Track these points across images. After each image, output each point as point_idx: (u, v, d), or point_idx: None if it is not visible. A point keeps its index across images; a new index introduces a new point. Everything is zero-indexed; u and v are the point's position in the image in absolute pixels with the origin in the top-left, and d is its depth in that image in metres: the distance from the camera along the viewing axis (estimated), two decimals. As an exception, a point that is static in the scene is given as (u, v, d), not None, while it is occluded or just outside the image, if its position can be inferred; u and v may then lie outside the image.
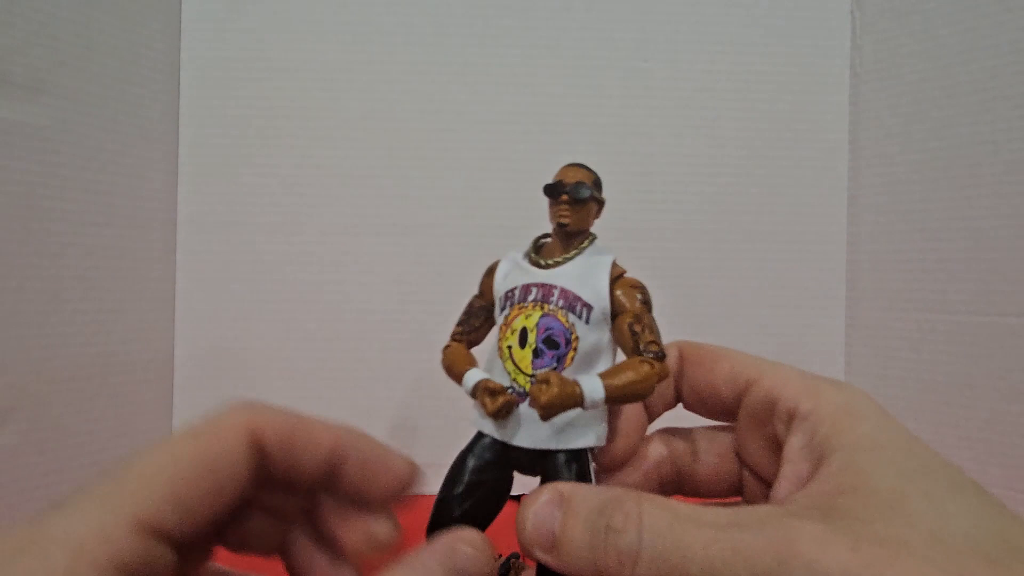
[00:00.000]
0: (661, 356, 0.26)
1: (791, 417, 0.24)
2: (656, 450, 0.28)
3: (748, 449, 0.27)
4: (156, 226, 0.53)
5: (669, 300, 0.56)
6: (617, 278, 0.27)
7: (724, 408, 0.27)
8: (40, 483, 0.45)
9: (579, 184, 0.28)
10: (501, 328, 0.27)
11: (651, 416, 0.29)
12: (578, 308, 0.26)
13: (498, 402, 0.25)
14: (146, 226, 0.52)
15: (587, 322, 0.26)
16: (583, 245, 0.28)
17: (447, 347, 0.29)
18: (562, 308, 0.26)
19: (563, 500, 0.21)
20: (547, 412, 0.24)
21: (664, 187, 0.56)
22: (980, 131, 0.49)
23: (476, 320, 0.30)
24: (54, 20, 0.46)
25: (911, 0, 0.53)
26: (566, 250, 0.28)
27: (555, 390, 0.24)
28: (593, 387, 0.24)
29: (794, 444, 0.23)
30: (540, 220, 0.54)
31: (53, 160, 0.46)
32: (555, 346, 0.26)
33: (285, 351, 0.54)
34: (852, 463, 0.20)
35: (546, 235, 0.29)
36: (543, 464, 0.26)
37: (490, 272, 0.30)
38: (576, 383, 0.24)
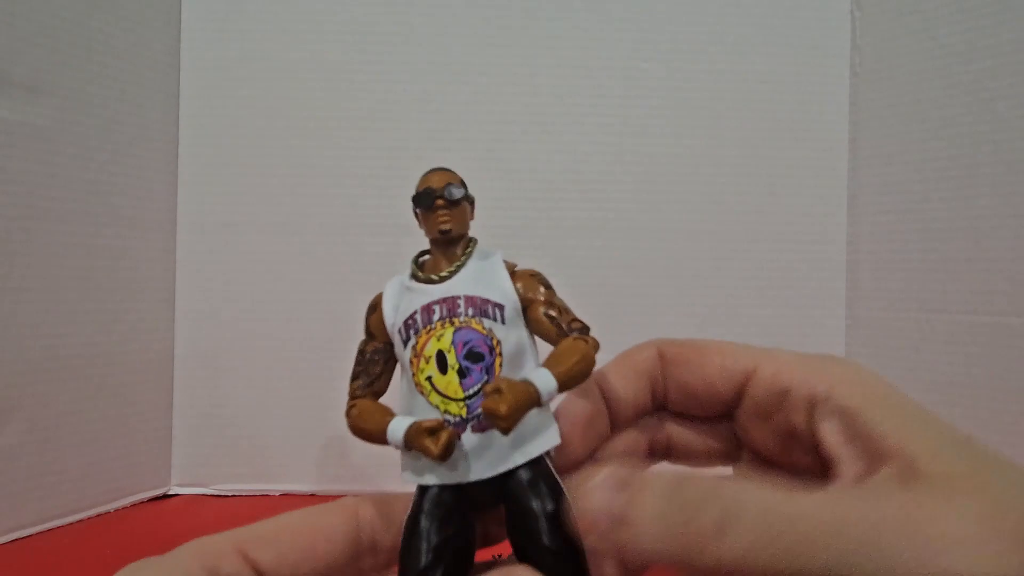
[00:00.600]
0: (587, 329, 0.25)
1: (811, 404, 0.22)
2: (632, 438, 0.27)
3: (753, 439, 0.25)
4: (156, 226, 0.53)
5: (669, 300, 0.56)
6: (512, 272, 0.26)
7: (721, 405, 0.25)
8: (40, 483, 0.45)
9: (449, 186, 0.27)
10: (411, 361, 0.24)
11: (618, 425, 0.26)
12: (490, 310, 0.25)
13: (442, 438, 0.22)
14: (146, 226, 0.52)
15: (503, 322, 0.24)
16: (468, 250, 0.27)
17: (351, 407, 0.25)
18: (474, 316, 0.24)
19: (625, 481, 0.19)
20: (509, 422, 0.22)
21: (664, 187, 0.56)
22: (980, 131, 0.49)
23: (374, 367, 0.26)
24: (54, 20, 0.46)
25: (911, 0, 0.53)
26: (453, 258, 0.26)
27: (511, 396, 0.22)
28: (544, 380, 0.23)
29: (830, 431, 0.21)
30: (540, 220, 0.54)
31: (53, 160, 0.46)
32: (479, 358, 0.24)
33: (285, 351, 0.54)
34: (895, 426, 0.20)
35: (423, 252, 0.27)
36: (504, 490, 0.23)
37: (374, 308, 0.27)
38: (527, 381, 0.23)
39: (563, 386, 0.23)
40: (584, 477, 0.20)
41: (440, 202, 0.26)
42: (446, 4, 0.55)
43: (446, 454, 0.23)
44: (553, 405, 0.25)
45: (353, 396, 0.26)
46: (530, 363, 0.25)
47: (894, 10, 0.54)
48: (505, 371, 0.24)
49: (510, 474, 0.23)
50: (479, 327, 0.24)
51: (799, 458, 0.23)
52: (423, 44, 0.55)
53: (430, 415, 0.24)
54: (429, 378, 0.24)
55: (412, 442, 0.23)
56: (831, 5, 0.56)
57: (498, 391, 0.22)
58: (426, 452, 0.23)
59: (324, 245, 0.54)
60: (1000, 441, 0.49)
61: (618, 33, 0.55)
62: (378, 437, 0.24)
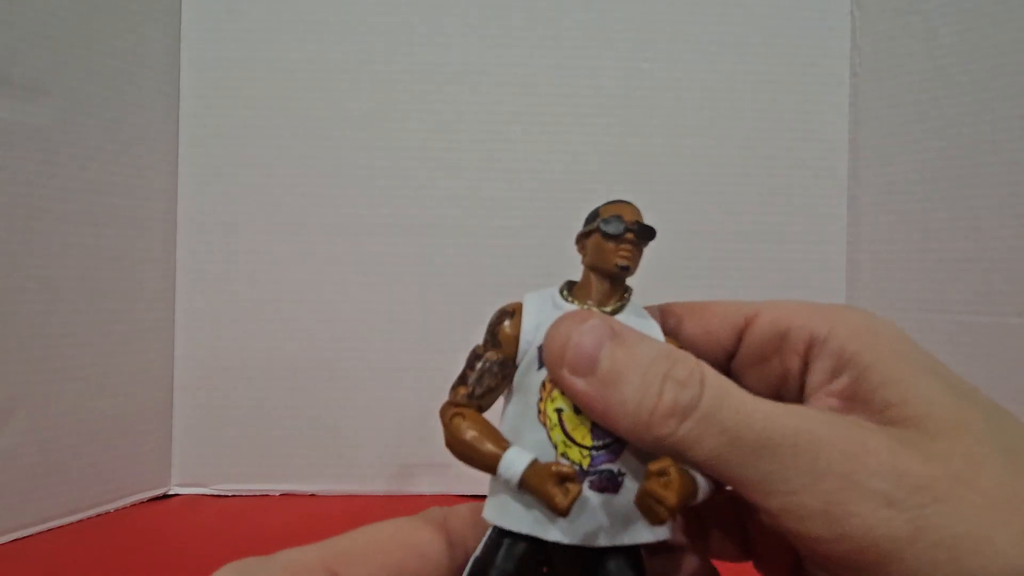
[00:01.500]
0: None
1: (808, 345, 0.21)
2: None
3: (747, 386, 0.24)
4: (156, 226, 0.53)
5: (669, 300, 0.56)
6: (666, 336, 0.23)
7: (721, 352, 0.25)
8: (40, 483, 0.45)
9: (641, 224, 0.24)
10: (544, 386, 0.21)
11: None
12: None
13: (572, 492, 0.19)
14: (146, 226, 0.52)
15: None
16: (626, 295, 0.24)
17: (455, 414, 0.22)
18: None
19: (615, 333, 0.19)
20: (671, 515, 0.19)
21: (664, 187, 0.56)
22: (980, 131, 0.49)
23: (491, 379, 0.23)
24: (54, 20, 0.46)
25: (911, 0, 0.53)
26: (614, 297, 0.23)
27: (680, 485, 0.19)
28: (702, 478, 0.20)
29: (818, 369, 0.21)
30: (541, 220, 0.54)
31: (53, 160, 0.46)
32: None
33: (285, 351, 0.54)
34: (893, 379, 0.19)
35: (571, 281, 0.25)
36: (590, 567, 0.21)
37: (511, 316, 0.23)
38: (687, 472, 0.19)
39: (717, 487, 0.21)
40: (573, 317, 0.20)
41: (630, 235, 0.23)
42: (446, 4, 0.55)
43: (570, 510, 0.19)
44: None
45: (456, 403, 0.22)
46: None
47: (894, 10, 0.54)
48: None
49: (603, 553, 0.21)
50: None
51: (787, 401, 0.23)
52: (423, 44, 0.55)
53: (544, 452, 0.21)
54: (559, 411, 0.21)
55: (534, 484, 0.20)
56: (831, 5, 0.56)
57: (665, 474, 0.19)
58: (549, 501, 0.19)
59: (324, 245, 0.54)
60: (1000, 441, 0.49)
61: (618, 33, 0.55)
62: (484, 461, 0.21)
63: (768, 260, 0.56)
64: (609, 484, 0.20)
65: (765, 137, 0.56)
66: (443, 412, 0.22)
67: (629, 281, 0.24)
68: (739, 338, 0.24)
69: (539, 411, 0.21)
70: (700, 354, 0.24)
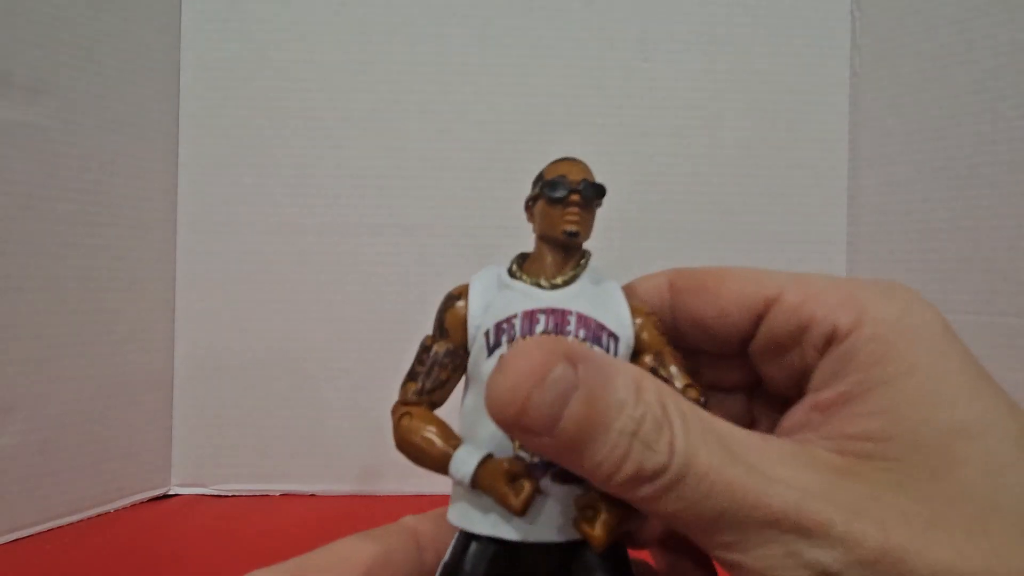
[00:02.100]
0: (702, 399, 0.20)
1: (828, 342, 0.19)
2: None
3: (765, 374, 0.22)
4: (156, 226, 0.53)
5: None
6: (631, 305, 0.22)
7: (736, 338, 0.22)
8: (40, 483, 0.45)
9: (588, 182, 0.21)
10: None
11: None
12: (604, 339, 0.20)
13: (525, 491, 0.18)
14: (146, 226, 0.52)
15: (615, 355, 0.20)
16: (583, 262, 0.22)
17: (404, 413, 0.21)
18: (585, 339, 0.20)
19: (583, 386, 0.16)
20: (606, 545, 0.19)
21: (664, 187, 0.56)
22: (980, 131, 0.49)
23: (441, 371, 0.21)
24: (54, 20, 0.46)
25: (911, 0, 0.53)
26: (566, 267, 0.21)
27: (604, 516, 0.18)
28: None
29: (823, 368, 0.19)
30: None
31: (53, 160, 0.46)
32: None
33: (285, 351, 0.54)
34: (894, 403, 0.17)
35: (523, 255, 0.23)
36: (567, 563, 0.20)
37: (456, 300, 0.21)
38: (618, 503, 0.19)
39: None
40: (528, 358, 0.16)
41: (575, 197, 0.21)
42: (446, 4, 0.55)
43: (527, 509, 0.19)
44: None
45: (406, 401, 0.21)
46: None
47: (894, 10, 0.54)
48: None
49: (579, 546, 0.19)
50: None
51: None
52: (423, 44, 0.55)
53: (501, 447, 0.19)
54: None
55: (485, 484, 0.19)
56: (831, 5, 0.56)
57: (592, 509, 0.19)
58: (503, 501, 0.19)
59: (324, 245, 0.54)
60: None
61: (618, 33, 0.55)
62: (435, 462, 0.20)
63: (768, 260, 0.56)
64: (573, 475, 0.18)
65: (765, 137, 0.56)
66: (393, 412, 0.21)
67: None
68: (756, 323, 0.21)
69: None
70: (711, 337, 0.22)
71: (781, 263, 0.56)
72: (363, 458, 0.54)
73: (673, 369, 0.21)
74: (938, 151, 0.52)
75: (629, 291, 0.22)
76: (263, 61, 0.54)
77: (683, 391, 0.20)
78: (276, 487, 0.54)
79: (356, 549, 0.20)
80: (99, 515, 0.49)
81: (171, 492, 0.54)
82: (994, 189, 0.49)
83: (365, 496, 0.53)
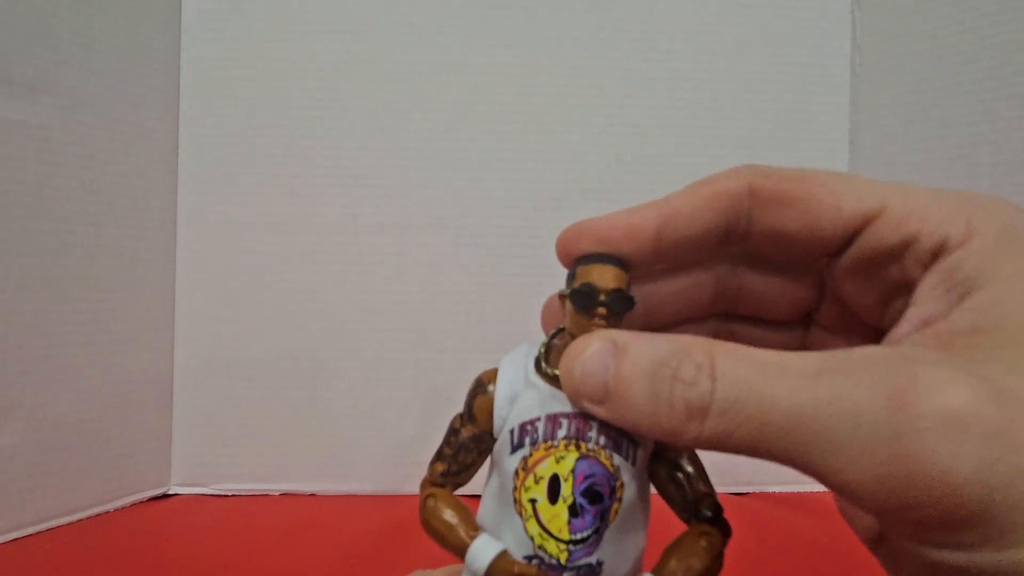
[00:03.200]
0: (719, 510, 0.21)
1: (936, 255, 0.18)
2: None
3: (847, 292, 0.21)
4: (156, 226, 0.53)
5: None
6: None
7: (820, 252, 0.21)
8: (40, 483, 0.45)
9: (618, 292, 0.21)
10: (517, 473, 0.20)
11: (663, 255, 0.22)
12: (624, 447, 0.20)
13: None
14: (146, 226, 0.52)
15: (634, 464, 0.20)
16: None
17: (429, 495, 0.22)
18: (604, 447, 0.20)
19: (617, 348, 0.18)
20: None
21: (664, 187, 0.55)
22: (980, 131, 0.49)
23: (467, 455, 0.22)
24: (54, 20, 0.46)
25: (911, 0, 0.53)
26: None
27: None
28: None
29: (928, 282, 0.18)
30: (541, 220, 0.54)
31: (53, 160, 0.46)
32: (599, 499, 0.20)
33: (285, 351, 0.54)
34: (1002, 297, 0.16)
35: (557, 332, 0.23)
36: None
37: (484, 388, 0.22)
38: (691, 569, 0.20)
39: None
40: (581, 344, 0.19)
41: (602, 311, 0.21)
42: (446, 4, 0.55)
43: None
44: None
45: (432, 481, 0.22)
46: (642, 517, 0.22)
47: (894, 10, 0.54)
48: (618, 521, 0.21)
49: None
50: (607, 462, 0.20)
51: (896, 315, 0.19)
52: (423, 44, 0.55)
53: (521, 542, 0.20)
54: (534, 501, 0.20)
55: None
56: (831, 5, 0.56)
57: None
58: None
59: (324, 245, 0.54)
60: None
61: (618, 33, 0.55)
62: (454, 549, 0.21)
63: (768, 260, 0.56)
64: None
65: (765, 137, 0.56)
66: (421, 489, 0.23)
67: None
68: (850, 239, 0.20)
69: (515, 500, 0.20)
70: (796, 252, 0.21)
71: (781, 263, 0.56)
72: (363, 458, 0.54)
73: (694, 476, 0.21)
74: (938, 151, 0.52)
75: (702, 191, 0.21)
76: (263, 61, 0.54)
77: (700, 498, 0.21)
78: (276, 487, 0.54)
79: None
80: (99, 515, 0.49)
81: (171, 492, 0.54)
82: (994, 189, 0.49)
83: (365, 496, 0.53)
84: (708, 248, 0.22)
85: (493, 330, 0.54)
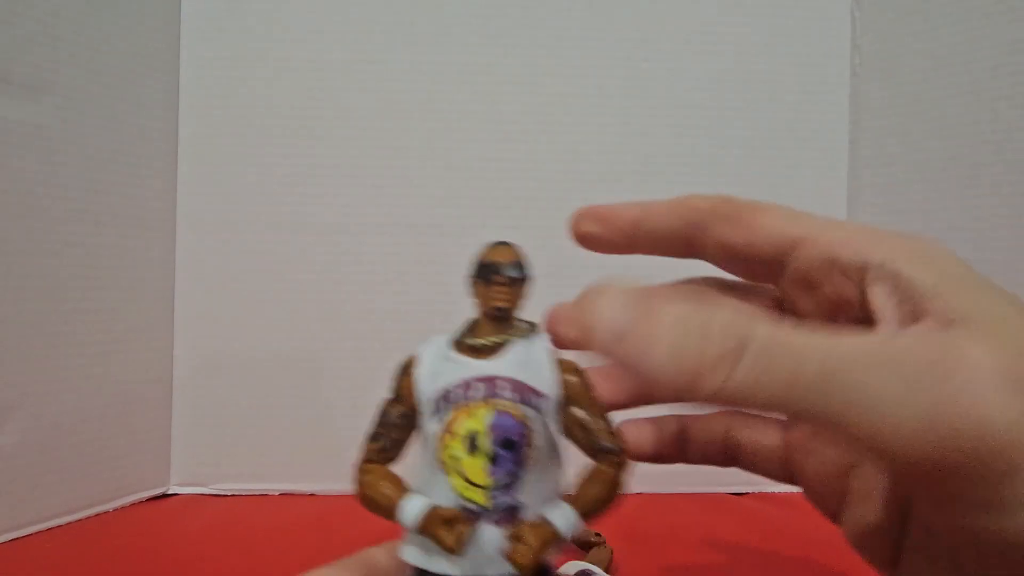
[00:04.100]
0: (619, 447, 0.24)
1: (863, 272, 0.20)
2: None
3: (797, 307, 0.24)
4: (156, 226, 0.53)
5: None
6: (557, 362, 0.25)
7: (761, 268, 0.24)
8: (40, 483, 0.45)
9: (515, 263, 0.26)
10: (440, 436, 0.23)
11: (636, 250, 0.27)
12: (532, 399, 0.24)
13: (459, 533, 0.22)
14: (146, 226, 0.52)
15: (542, 413, 0.24)
16: (516, 329, 0.26)
17: (363, 471, 0.24)
18: (514, 400, 0.23)
19: (647, 292, 0.19)
20: (531, 571, 0.22)
21: (664, 187, 0.55)
22: (980, 131, 0.49)
23: (397, 432, 0.25)
24: (55, 20, 0.46)
25: (911, 0, 0.53)
26: (500, 335, 0.25)
27: (533, 545, 0.22)
28: (567, 520, 0.23)
29: (879, 293, 0.20)
30: (541, 220, 0.54)
31: (53, 160, 0.46)
32: (511, 446, 0.23)
33: (285, 351, 0.54)
34: (953, 296, 0.18)
35: (470, 320, 0.27)
36: None
37: (407, 371, 0.25)
38: (546, 523, 0.22)
39: (586, 520, 0.23)
40: (600, 287, 0.20)
41: (501, 278, 0.25)
42: (446, 4, 0.55)
43: (460, 548, 0.22)
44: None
45: (366, 459, 0.25)
46: (555, 461, 0.24)
47: (894, 10, 0.54)
48: (535, 465, 0.23)
49: None
50: (517, 413, 0.23)
51: (845, 326, 0.21)
52: (423, 44, 0.55)
53: (448, 497, 0.23)
54: (456, 457, 0.23)
55: (426, 528, 0.22)
56: (831, 5, 0.56)
57: (519, 539, 0.22)
58: (440, 542, 0.22)
59: (324, 245, 0.54)
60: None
61: (618, 33, 0.55)
62: (387, 512, 0.23)
63: (768, 260, 0.56)
64: (509, 517, 0.22)
65: (765, 137, 0.56)
66: (354, 468, 0.25)
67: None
68: (782, 259, 0.23)
69: (440, 460, 0.23)
70: (738, 265, 0.25)
71: (781, 263, 0.56)
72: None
73: (596, 420, 0.24)
74: (938, 151, 0.52)
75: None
76: (263, 61, 0.54)
77: (602, 436, 0.24)
78: (276, 487, 0.54)
79: None
80: (98, 515, 0.49)
81: (170, 492, 0.54)
82: (994, 189, 0.49)
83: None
84: (675, 249, 0.27)
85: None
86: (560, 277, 0.58)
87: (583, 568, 0.35)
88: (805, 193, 0.56)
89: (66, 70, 0.46)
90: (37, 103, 0.45)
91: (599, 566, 0.36)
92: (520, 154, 0.55)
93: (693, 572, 0.40)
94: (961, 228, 0.50)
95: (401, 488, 0.24)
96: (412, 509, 0.23)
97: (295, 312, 0.54)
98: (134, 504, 0.51)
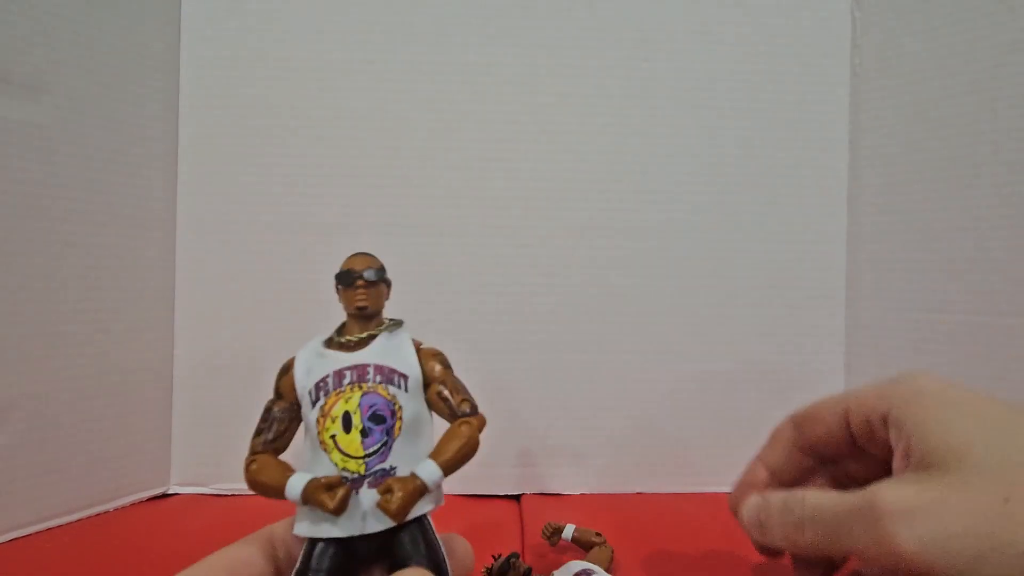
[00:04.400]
0: (474, 410, 0.28)
1: (885, 424, 0.28)
2: (776, 462, 0.34)
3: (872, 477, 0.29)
4: (156, 226, 0.53)
5: (669, 300, 0.56)
6: (418, 350, 0.29)
7: (844, 446, 0.31)
8: (40, 483, 0.45)
9: (369, 269, 0.29)
10: (318, 421, 0.27)
11: (784, 484, 0.33)
12: (396, 379, 0.27)
13: (339, 494, 0.25)
14: (146, 226, 0.52)
15: (406, 391, 0.27)
16: (381, 326, 0.29)
17: (251, 462, 0.27)
18: (381, 382, 0.27)
19: (763, 501, 0.30)
20: (399, 518, 0.25)
21: (664, 187, 0.56)
22: (980, 131, 0.49)
23: (280, 424, 0.28)
24: (54, 20, 0.46)
25: (911, 0, 0.53)
26: (366, 330, 0.29)
27: (399, 494, 0.24)
28: (430, 471, 0.25)
29: (893, 440, 0.27)
30: (541, 220, 0.54)
31: (53, 160, 0.46)
32: (381, 420, 0.26)
33: (284, 351, 0.54)
34: (924, 436, 0.25)
35: (342, 324, 0.30)
36: (388, 545, 0.26)
37: (286, 371, 0.29)
38: (413, 476, 0.25)
39: (448, 472, 0.26)
40: (747, 503, 0.31)
41: (360, 282, 0.29)
42: (446, 4, 0.55)
43: (341, 508, 0.24)
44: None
45: (254, 451, 0.28)
46: (426, 431, 0.28)
47: (894, 10, 0.54)
48: (403, 435, 0.26)
49: (395, 532, 0.26)
50: (384, 392, 0.27)
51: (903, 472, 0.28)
52: (423, 44, 0.55)
53: (330, 471, 0.26)
54: (333, 436, 0.26)
55: (310, 496, 0.25)
56: (831, 5, 0.56)
57: (389, 491, 0.24)
58: (322, 506, 0.24)
59: (324, 245, 0.54)
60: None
61: (618, 33, 0.55)
62: (276, 491, 0.26)
63: (768, 260, 0.56)
64: (383, 479, 0.26)
65: (765, 137, 0.56)
66: (245, 461, 0.27)
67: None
68: (848, 431, 0.30)
69: (320, 441, 0.26)
70: (830, 450, 0.32)
71: (781, 263, 0.56)
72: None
73: (453, 392, 0.28)
74: (938, 151, 0.52)
75: None
76: (263, 61, 0.54)
77: (459, 404, 0.28)
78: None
79: (222, 557, 0.26)
80: (98, 514, 0.49)
81: (170, 491, 0.54)
82: (994, 189, 0.49)
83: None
84: (800, 468, 0.34)
85: (492, 329, 0.54)
86: (563, 276, 0.59)
87: (584, 568, 0.35)
88: (805, 193, 0.56)
89: (66, 70, 0.46)
90: (37, 103, 0.45)
91: (600, 566, 0.36)
92: (520, 154, 0.55)
93: (693, 572, 0.40)
94: (961, 228, 0.50)
95: (286, 469, 0.27)
96: (297, 483, 0.25)
97: (295, 312, 0.54)
98: (134, 504, 0.51)
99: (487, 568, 0.35)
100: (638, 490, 0.55)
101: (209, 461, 0.54)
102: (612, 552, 0.40)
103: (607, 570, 0.37)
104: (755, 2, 0.56)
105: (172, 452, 0.54)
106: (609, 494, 0.54)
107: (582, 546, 0.40)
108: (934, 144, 0.52)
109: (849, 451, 0.31)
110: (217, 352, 0.54)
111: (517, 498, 0.54)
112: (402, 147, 0.54)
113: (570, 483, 0.55)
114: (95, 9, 0.48)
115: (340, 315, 0.59)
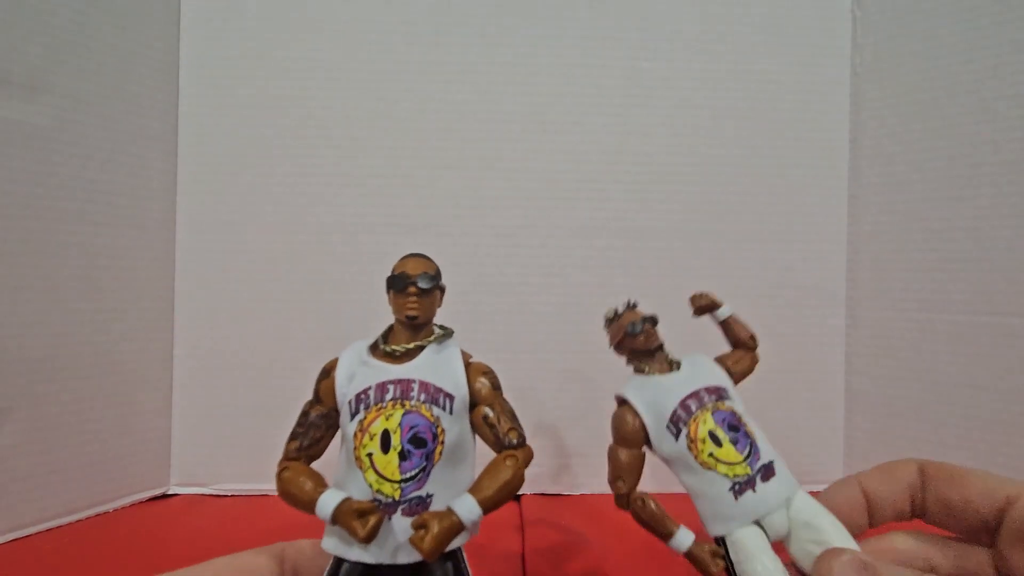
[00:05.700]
0: (522, 441, 0.26)
1: None
2: (904, 543, 0.31)
3: (1012, 566, 0.27)
4: (155, 226, 0.53)
5: (669, 300, 0.56)
6: (467, 365, 0.27)
7: (978, 524, 0.28)
8: (40, 483, 0.45)
9: (425, 275, 0.27)
10: (355, 435, 0.25)
11: (875, 522, 0.30)
12: (441, 399, 0.26)
13: (370, 523, 0.23)
14: (145, 226, 0.52)
15: (451, 413, 0.26)
16: (431, 336, 0.27)
17: (284, 468, 0.26)
18: (425, 402, 0.25)
19: (866, 565, 0.26)
20: (432, 557, 0.23)
21: (664, 187, 0.56)
22: (980, 131, 0.49)
23: (316, 431, 0.27)
24: (53, 20, 0.46)
25: (911, 0, 0.53)
26: (413, 340, 0.27)
27: (435, 531, 0.23)
28: (468, 509, 0.24)
29: None
30: (541, 220, 0.54)
31: (53, 160, 0.46)
32: (422, 444, 0.25)
33: (284, 351, 0.54)
34: None
35: (390, 327, 0.28)
36: (419, 575, 0.25)
37: (327, 374, 0.27)
38: (450, 512, 0.24)
39: (487, 511, 0.24)
40: (833, 554, 0.26)
41: (413, 289, 0.27)
42: (446, 4, 0.55)
43: (371, 537, 0.23)
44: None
45: (287, 457, 0.27)
46: (467, 456, 0.26)
47: (894, 10, 0.54)
48: (444, 460, 0.25)
49: (426, 563, 0.24)
50: (427, 414, 0.25)
51: None
52: (423, 44, 0.55)
53: (363, 491, 0.24)
54: (370, 455, 0.25)
55: (340, 520, 0.24)
56: (831, 5, 0.56)
57: (424, 526, 0.23)
58: (352, 533, 0.23)
59: (324, 245, 0.54)
60: (1000, 441, 0.49)
61: (618, 33, 0.55)
62: (306, 506, 0.25)
63: (768, 260, 0.56)
64: (419, 508, 0.24)
65: (765, 137, 0.56)
66: (278, 466, 0.26)
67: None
68: (998, 516, 0.27)
69: (356, 457, 0.25)
70: (955, 521, 0.30)
71: (781, 263, 0.56)
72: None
73: (502, 417, 0.26)
74: (938, 151, 0.52)
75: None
76: (263, 61, 0.54)
77: (506, 433, 0.26)
78: (275, 487, 0.53)
79: (230, 564, 0.25)
80: (98, 515, 0.49)
81: (170, 492, 0.54)
82: (994, 189, 0.49)
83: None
84: (902, 515, 0.30)
85: (493, 329, 0.54)
86: (562, 276, 0.58)
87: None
88: (805, 193, 0.56)
89: (65, 70, 0.46)
90: (36, 103, 0.45)
91: (736, 370, 0.37)
92: (520, 154, 0.55)
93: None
94: (961, 228, 0.50)
95: (319, 483, 0.25)
96: (328, 503, 0.24)
97: (294, 312, 0.54)
98: (134, 504, 0.51)
99: (607, 316, 0.35)
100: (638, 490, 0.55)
101: (209, 461, 0.54)
102: (754, 363, 0.37)
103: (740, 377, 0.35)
104: (755, 2, 0.56)
105: (172, 452, 0.54)
106: (609, 494, 0.54)
107: (728, 337, 0.38)
108: (934, 144, 0.52)
109: (966, 531, 0.29)
110: (216, 352, 0.54)
111: (517, 498, 0.54)
112: (402, 147, 0.54)
113: (570, 483, 0.55)
114: (95, 9, 0.48)
115: (340, 316, 0.59)
